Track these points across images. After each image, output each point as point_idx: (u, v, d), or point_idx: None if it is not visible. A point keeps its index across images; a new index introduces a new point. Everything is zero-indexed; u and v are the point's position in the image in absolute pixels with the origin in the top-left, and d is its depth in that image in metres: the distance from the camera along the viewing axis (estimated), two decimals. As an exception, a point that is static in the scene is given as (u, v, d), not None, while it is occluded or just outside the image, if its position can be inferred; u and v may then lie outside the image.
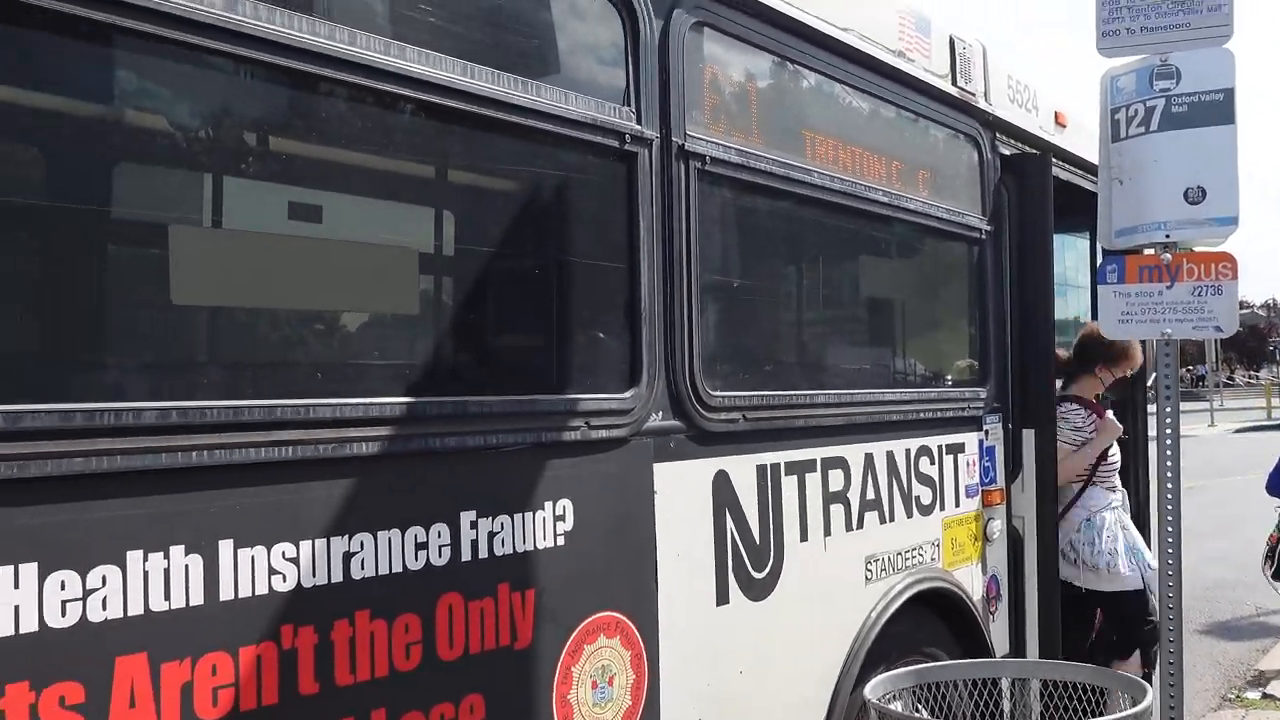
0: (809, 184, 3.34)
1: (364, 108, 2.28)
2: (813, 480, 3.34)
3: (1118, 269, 3.87)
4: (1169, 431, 3.88)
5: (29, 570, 1.69)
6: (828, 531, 3.40)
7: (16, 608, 1.67)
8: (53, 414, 1.72)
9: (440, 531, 2.28)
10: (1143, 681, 3.13)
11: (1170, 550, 3.88)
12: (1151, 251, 3.81)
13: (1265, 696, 6.90)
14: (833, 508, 3.42)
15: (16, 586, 1.67)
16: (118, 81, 1.99)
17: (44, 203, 1.96)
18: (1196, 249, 3.79)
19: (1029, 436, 4.46)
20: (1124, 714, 2.92)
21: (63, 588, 1.72)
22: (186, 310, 2.09)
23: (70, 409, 1.75)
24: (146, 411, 1.84)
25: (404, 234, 2.52)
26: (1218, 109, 3.57)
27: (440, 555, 2.28)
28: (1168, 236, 3.69)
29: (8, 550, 1.67)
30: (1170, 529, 3.88)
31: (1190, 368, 56.09)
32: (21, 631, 1.68)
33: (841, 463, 3.47)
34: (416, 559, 2.24)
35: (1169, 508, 3.88)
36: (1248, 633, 8.66)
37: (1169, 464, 3.89)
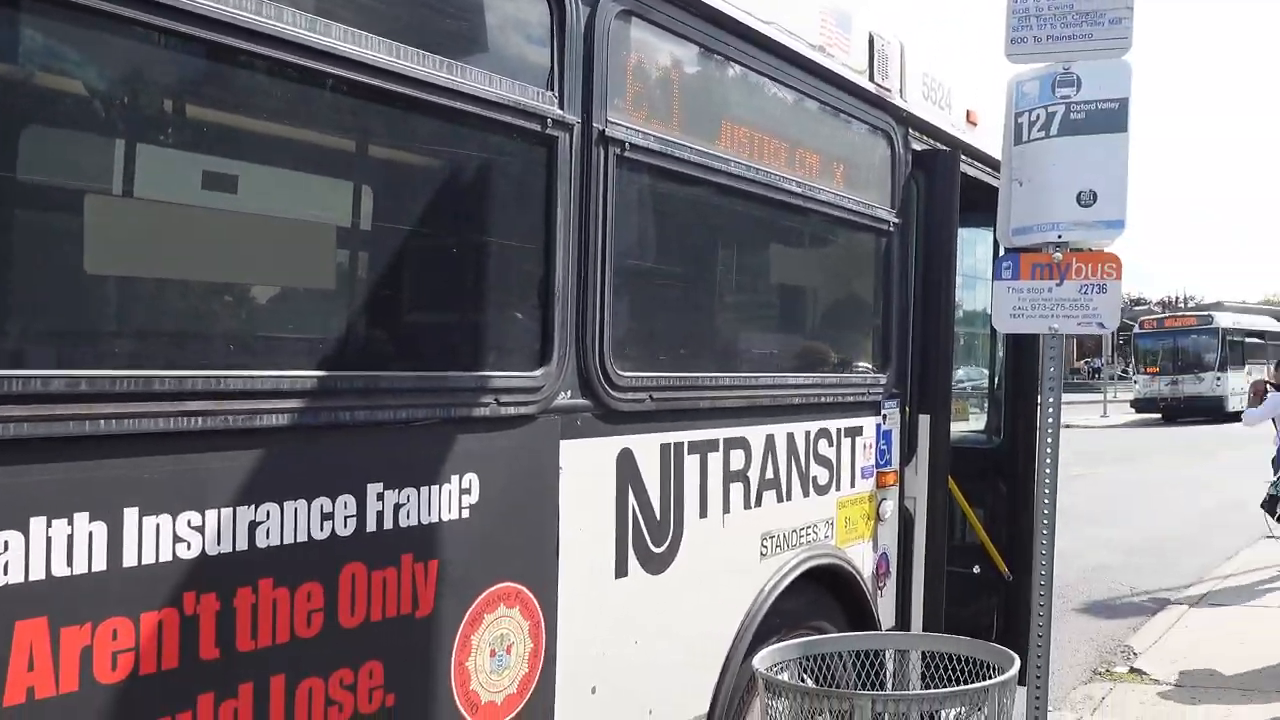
0: (726, 173, 3.42)
1: (287, 82, 2.28)
2: (714, 459, 3.44)
3: (1012, 265, 4.04)
4: (1050, 421, 4.08)
5: (-69, 534, 1.70)
6: (726, 509, 3.50)
7: (-82, 571, 1.69)
8: None
9: (346, 503, 2.33)
10: (1010, 652, 3.32)
11: (1045, 531, 4.09)
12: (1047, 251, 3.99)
13: (1133, 671, 7.29)
14: (732, 486, 3.53)
15: (-82, 550, 1.69)
16: (31, 46, 1.98)
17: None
18: (1087, 249, 3.97)
19: (924, 422, 4.61)
20: (992, 682, 3.11)
21: (-36, 552, 1.74)
22: (100, 279, 2.09)
23: None
24: (55, 379, 1.85)
25: (322, 209, 2.54)
26: (1113, 117, 3.75)
27: (346, 526, 2.32)
28: (1060, 237, 3.87)
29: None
30: (1046, 511, 4.10)
31: (1088, 360, 57.79)
32: (-78, 594, 1.70)
33: (743, 443, 3.57)
34: (322, 529, 2.28)
35: (1045, 491, 4.09)
36: (1122, 612, 9.10)
37: (1048, 452, 4.10)
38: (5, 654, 1.80)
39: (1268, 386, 9.64)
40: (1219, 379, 34.20)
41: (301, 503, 2.24)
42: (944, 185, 4.59)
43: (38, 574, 1.83)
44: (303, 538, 2.24)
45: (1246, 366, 34.55)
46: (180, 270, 2.21)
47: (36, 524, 1.83)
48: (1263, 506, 7.13)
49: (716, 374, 3.51)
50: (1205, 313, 40.29)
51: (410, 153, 2.71)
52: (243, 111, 2.28)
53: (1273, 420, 9.23)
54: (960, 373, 9.57)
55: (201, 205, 2.26)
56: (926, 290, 4.60)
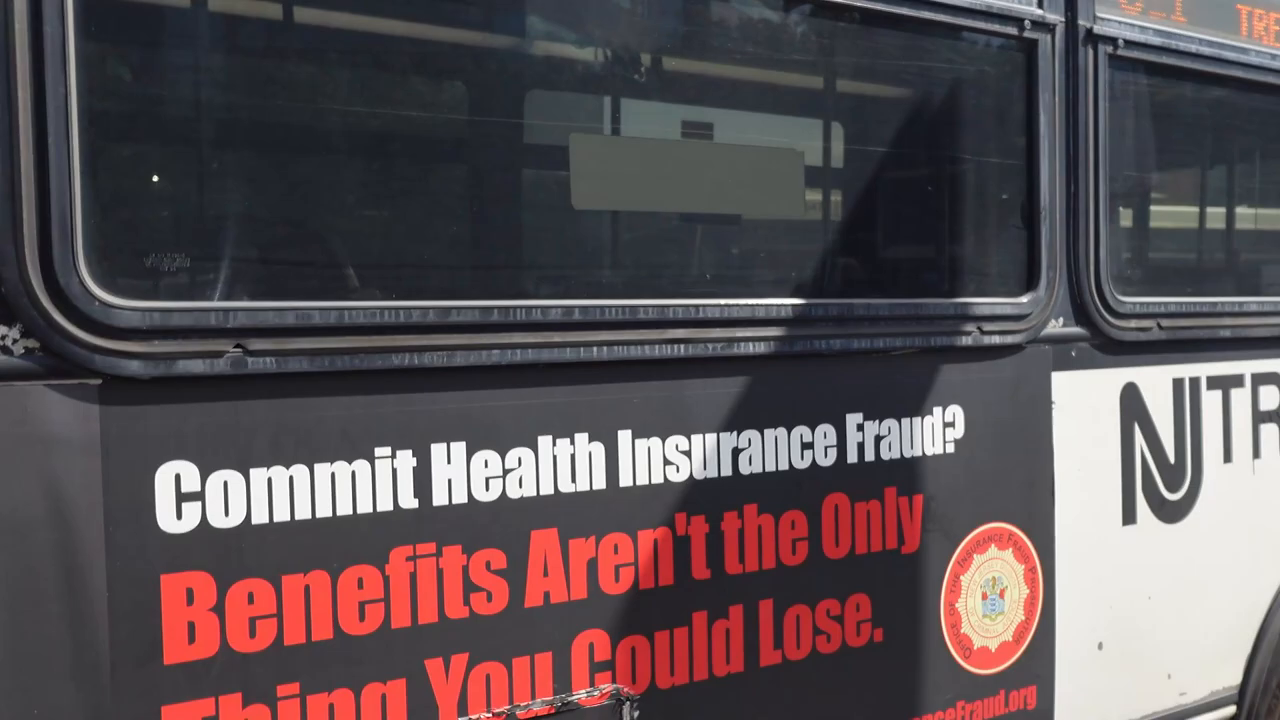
0: (1246, 65, 2.99)
1: (753, 21, 2.31)
2: (1239, 396, 3.06)
3: None
4: None
5: (459, 449, 1.91)
6: (1256, 454, 3.12)
7: (449, 481, 1.91)
8: (474, 310, 1.93)
9: (826, 433, 2.32)
10: None
11: None
12: None
13: None
14: (1263, 428, 3.13)
15: (449, 462, 1.90)
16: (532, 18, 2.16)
17: (468, 128, 2.17)
18: None
19: None
20: None
21: (486, 465, 1.94)
22: (587, 216, 2.24)
23: (490, 305, 1.94)
24: (553, 309, 2.00)
25: (795, 140, 2.55)
26: None
27: (826, 456, 2.32)
28: None
29: (441, 429, 1.90)
30: None
31: None
32: (454, 502, 1.91)
33: (1275, 379, 3.14)
34: (803, 458, 2.29)
35: None
36: None
37: None
38: (524, 560, 1.98)
39: None
40: None
41: (781, 431, 2.27)
42: None
43: (547, 489, 2.00)
44: (784, 466, 2.27)
45: None
46: (661, 204, 2.32)
47: (544, 442, 2.00)
48: None
49: (1240, 299, 3.11)
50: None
51: (879, 75, 2.65)
52: (715, 55, 2.34)
53: None
54: None
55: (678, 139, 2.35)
56: None
